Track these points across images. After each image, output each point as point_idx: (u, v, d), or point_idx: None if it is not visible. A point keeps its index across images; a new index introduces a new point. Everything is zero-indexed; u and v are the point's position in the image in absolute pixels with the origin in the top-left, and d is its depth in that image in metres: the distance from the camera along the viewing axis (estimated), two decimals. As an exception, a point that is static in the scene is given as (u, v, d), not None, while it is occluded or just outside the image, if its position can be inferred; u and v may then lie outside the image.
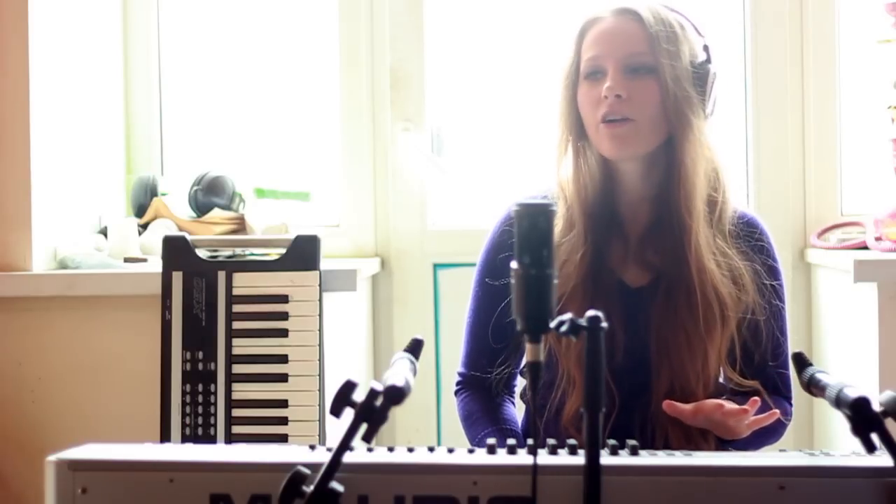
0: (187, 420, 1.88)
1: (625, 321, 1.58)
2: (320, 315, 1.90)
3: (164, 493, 0.98)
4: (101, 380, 2.05)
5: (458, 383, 1.77)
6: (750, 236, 1.65)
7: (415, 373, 1.09)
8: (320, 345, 1.89)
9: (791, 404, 1.69)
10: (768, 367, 1.65)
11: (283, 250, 1.92)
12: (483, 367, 1.70)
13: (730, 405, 1.48)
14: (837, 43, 2.44)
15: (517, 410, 1.76)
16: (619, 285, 1.62)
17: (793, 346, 1.62)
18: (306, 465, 0.93)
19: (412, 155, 2.50)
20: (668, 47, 1.55)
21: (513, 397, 1.77)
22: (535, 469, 0.95)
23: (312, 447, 1.03)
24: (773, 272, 1.65)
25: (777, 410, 1.50)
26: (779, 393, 1.67)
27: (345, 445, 0.94)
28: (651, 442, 1.55)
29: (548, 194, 1.67)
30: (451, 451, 1.02)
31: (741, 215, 1.67)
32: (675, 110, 1.55)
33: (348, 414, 0.96)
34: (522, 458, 1.00)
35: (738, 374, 1.63)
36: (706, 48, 1.62)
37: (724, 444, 1.56)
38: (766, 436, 1.61)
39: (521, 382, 1.79)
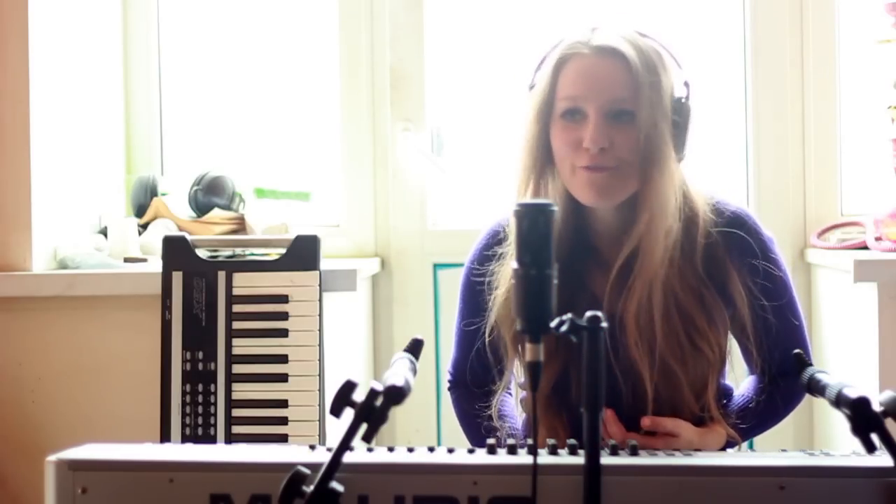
0: (187, 420, 1.88)
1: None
2: (320, 315, 1.90)
3: (164, 493, 0.98)
4: (101, 380, 2.05)
5: (449, 381, 1.77)
6: (733, 240, 1.56)
7: (415, 373, 1.09)
8: (320, 345, 1.89)
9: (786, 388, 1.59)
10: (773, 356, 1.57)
11: (283, 250, 1.92)
12: (468, 372, 1.69)
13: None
14: (837, 43, 2.44)
15: (514, 401, 1.74)
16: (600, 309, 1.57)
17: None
18: (306, 465, 0.93)
19: (412, 155, 2.50)
20: (650, 94, 1.47)
21: (509, 391, 1.75)
22: (535, 469, 0.95)
23: (312, 447, 1.03)
24: (768, 275, 1.57)
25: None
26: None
27: (345, 445, 0.94)
28: None
29: (507, 226, 1.60)
30: (451, 451, 1.02)
31: (727, 213, 1.58)
32: (649, 156, 1.48)
33: (348, 414, 0.96)
34: (522, 458, 1.00)
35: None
36: (686, 84, 1.55)
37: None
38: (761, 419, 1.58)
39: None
